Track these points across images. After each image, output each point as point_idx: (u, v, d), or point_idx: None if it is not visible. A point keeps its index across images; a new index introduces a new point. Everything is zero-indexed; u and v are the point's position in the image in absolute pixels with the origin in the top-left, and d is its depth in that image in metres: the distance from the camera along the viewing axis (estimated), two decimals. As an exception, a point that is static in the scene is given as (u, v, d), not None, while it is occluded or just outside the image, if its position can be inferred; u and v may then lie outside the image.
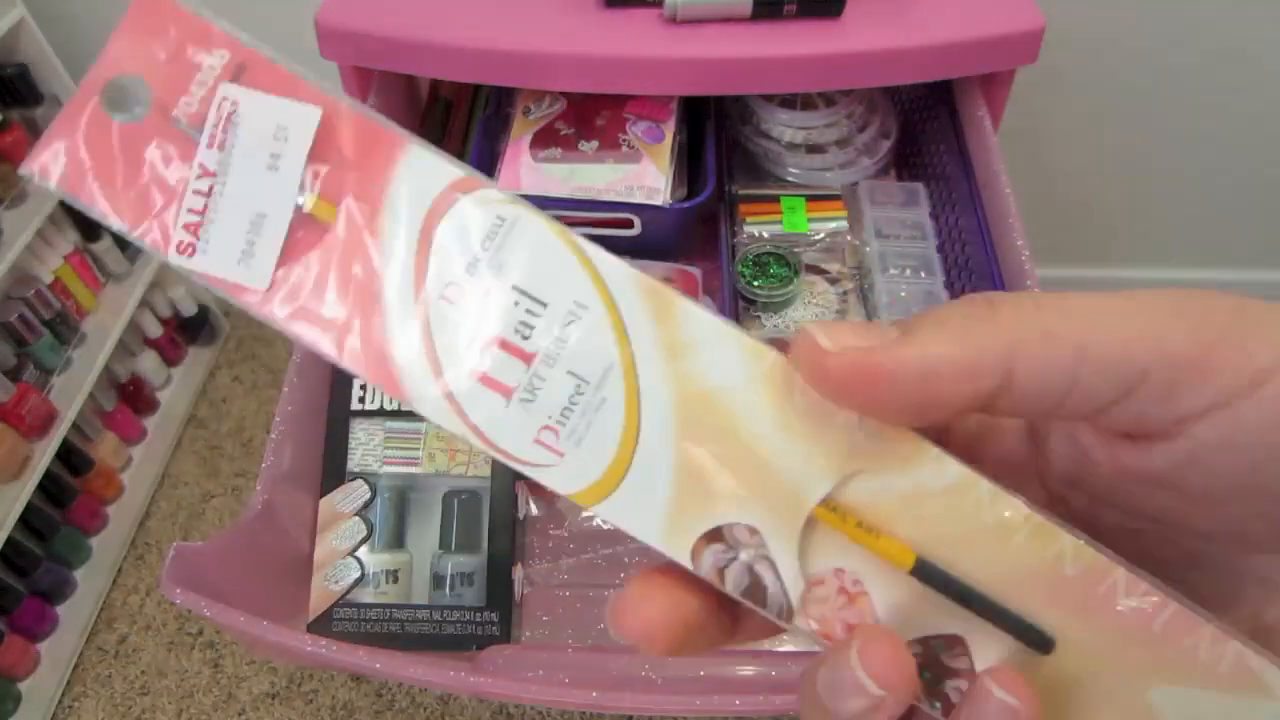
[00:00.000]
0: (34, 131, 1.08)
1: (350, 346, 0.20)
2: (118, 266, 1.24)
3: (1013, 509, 0.18)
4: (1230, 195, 1.23)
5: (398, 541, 0.59)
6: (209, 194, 0.20)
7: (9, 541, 1.02)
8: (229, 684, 1.12)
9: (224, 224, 0.20)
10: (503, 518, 0.59)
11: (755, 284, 0.70)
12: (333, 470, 0.60)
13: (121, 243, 1.23)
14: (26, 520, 1.07)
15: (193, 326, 1.40)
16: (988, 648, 0.19)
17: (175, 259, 0.20)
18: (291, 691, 1.11)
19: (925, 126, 0.81)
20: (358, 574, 0.58)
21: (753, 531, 0.19)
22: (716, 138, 0.74)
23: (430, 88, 0.86)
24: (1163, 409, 0.17)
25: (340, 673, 1.11)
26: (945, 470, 0.18)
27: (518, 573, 0.60)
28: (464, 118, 0.84)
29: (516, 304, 0.19)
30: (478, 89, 0.84)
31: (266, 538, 0.55)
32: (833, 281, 0.72)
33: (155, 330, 1.33)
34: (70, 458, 1.14)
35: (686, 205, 0.68)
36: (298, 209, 0.20)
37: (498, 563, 0.58)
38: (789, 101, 0.78)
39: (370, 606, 0.58)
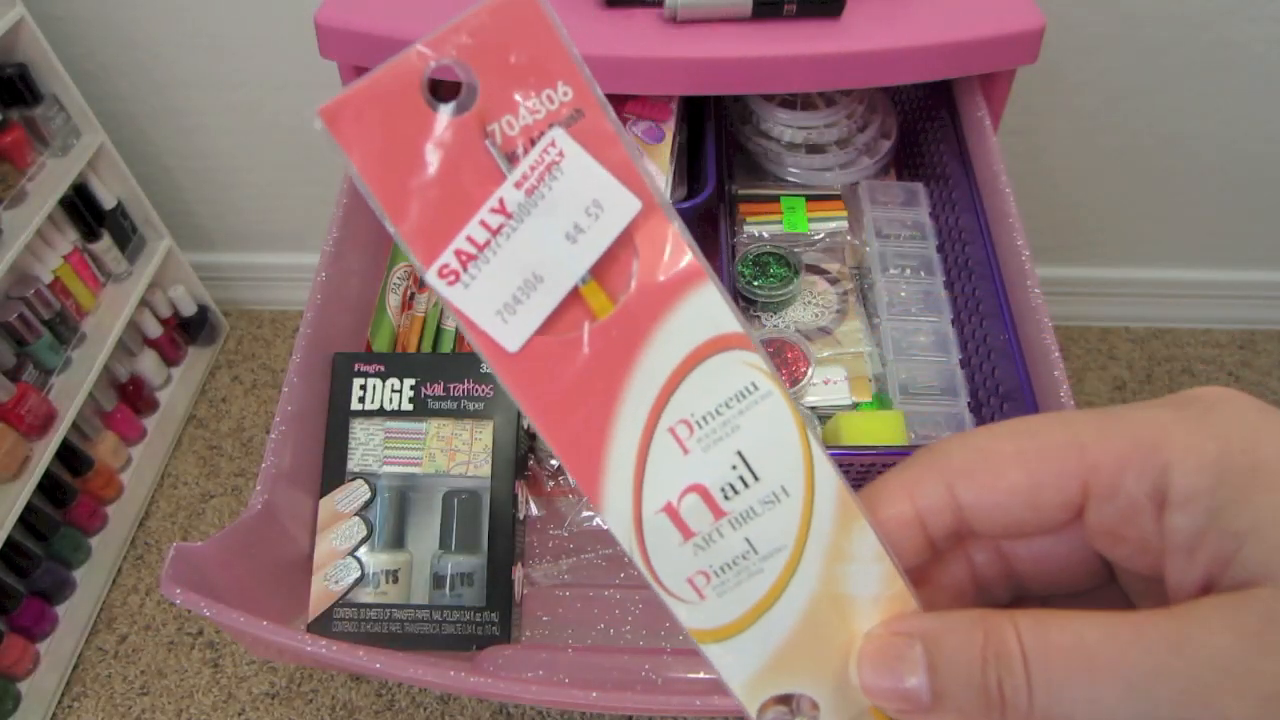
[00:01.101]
0: (34, 131, 1.08)
1: (567, 433, 0.20)
2: (117, 266, 1.24)
3: None
4: (1230, 195, 1.23)
5: (398, 541, 0.59)
6: (496, 232, 0.19)
7: (9, 541, 1.02)
8: (229, 684, 1.12)
9: (498, 270, 0.19)
10: (503, 518, 0.59)
11: (755, 284, 0.70)
12: (333, 470, 0.60)
13: (121, 242, 1.23)
14: (26, 520, 1.07)
15: (193, 326, 1.40)
16: None
17: (434, 280, 0.19)
18: (291, 691, 1.11)
19: (925, 126, 0.81)
20: (358, 574, 0.58)
21: (814, 705, 0.21)
22: (716, 137, 0.74)
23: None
24: None
25: (340, 673, 1.11)
26: None
27: (518, 573, 0.60)
28: (464, 118, 0.84)
29: (734, 468, 0.20)
30: (478, 89, 0.83)
31: (266, 538, 0.55)
32: (833, 281, 0.73)
33: (155, 330, 1.33)
34: (70, 458, 1.14)
35: (686, 205, 0.68)
36: (575, 288, 0.19)
37: (498, 563, 0.58)
38: (789, 101, 0.78)
39: (370, 606, 0.58)
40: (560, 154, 0.18)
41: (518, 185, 0.18)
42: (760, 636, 0.21)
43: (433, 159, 0.18)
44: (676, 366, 0.20)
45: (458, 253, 0.19)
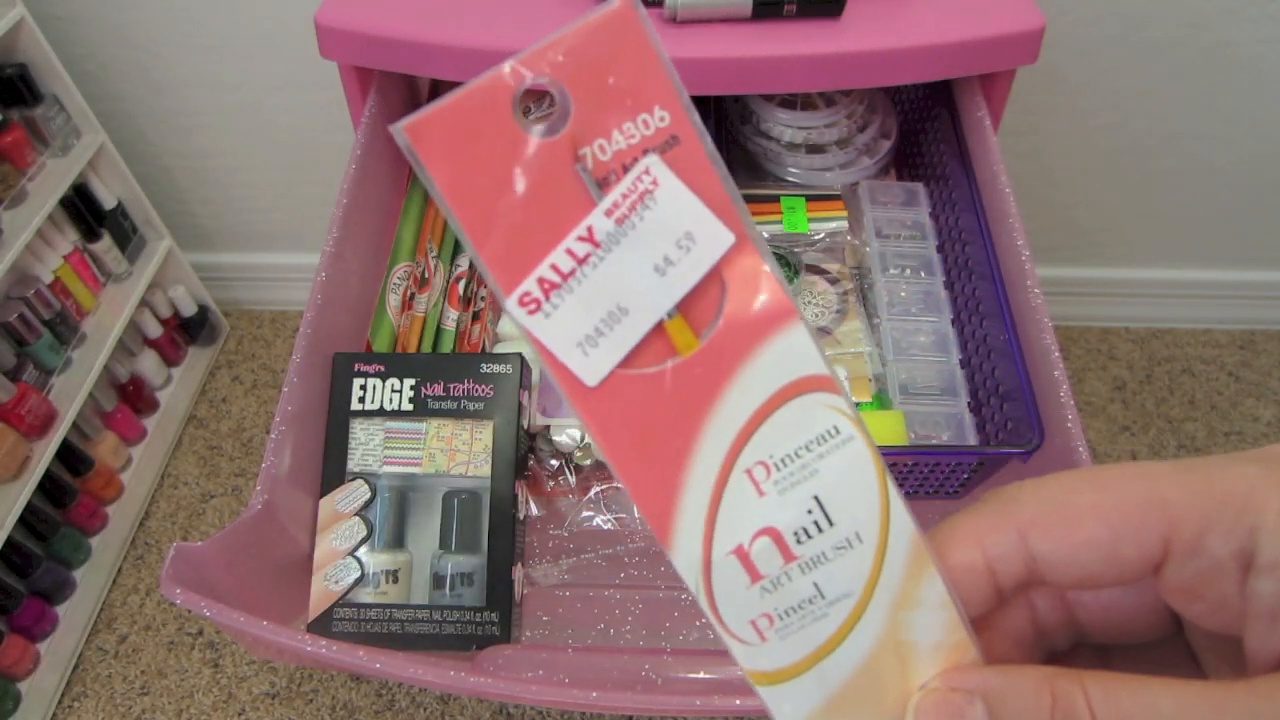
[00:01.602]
0: (34, 131, 1.08)
1: (641, 471, 0.19)
2: (117, 266, 1.24)
3: None
4: (1230, 195, 1.23)
5: (398, 541, 0.59)
6: (582, 261, 0.18)
7: (9, 541, 1.02)
8: (229, 684, 1.12)
9: (581, 300, 0.18)
10: (503, 518, 0.59)
11: (755, 284, 0.70)
12: (333, 470, 0.60)
13: (121, 243, 1.23)
14: (26, 520, 1.07)
15: (193, 326, 1.40)
16: None
17: (513, 308, 0.18)
18: (291, 691, 1.11)
19: (925, 126, 0.81)
20: (358, 574, 0.58)
21: None
22: (716, 137, 0.74)
23: (430, 88, 0.86)
24: None
25: (340, 673, 1.11)
26: None
27: (518, 573, 0.60)
28: (464, 118, 0.84)
29: (809, 512, 0.20)
30: (478, 89, 0.83)
31: (266, 538, 0.55)
32: (833, 281, 0.72)
33: (155, 330, 1.33)
34: (70, 458, 1.14)
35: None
36: (659, 322, 0.18)
37: (498, 563, 0.58)
38: (789, 101, 0.78)
39: (370, 606, 0.58)
40: (654, 182, 0.18)
41: (608, 213, 0.18)
42: (818, 680, 0.20)
43: (520, 182, 0.17)
44: (759, 407, 0.19)
45: (540, 281, 0.18)
